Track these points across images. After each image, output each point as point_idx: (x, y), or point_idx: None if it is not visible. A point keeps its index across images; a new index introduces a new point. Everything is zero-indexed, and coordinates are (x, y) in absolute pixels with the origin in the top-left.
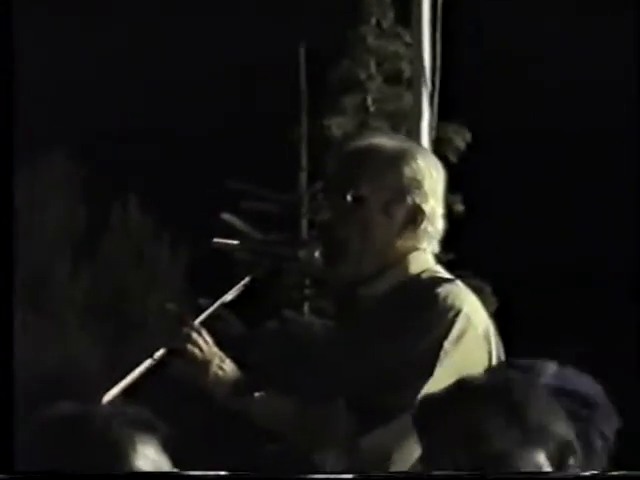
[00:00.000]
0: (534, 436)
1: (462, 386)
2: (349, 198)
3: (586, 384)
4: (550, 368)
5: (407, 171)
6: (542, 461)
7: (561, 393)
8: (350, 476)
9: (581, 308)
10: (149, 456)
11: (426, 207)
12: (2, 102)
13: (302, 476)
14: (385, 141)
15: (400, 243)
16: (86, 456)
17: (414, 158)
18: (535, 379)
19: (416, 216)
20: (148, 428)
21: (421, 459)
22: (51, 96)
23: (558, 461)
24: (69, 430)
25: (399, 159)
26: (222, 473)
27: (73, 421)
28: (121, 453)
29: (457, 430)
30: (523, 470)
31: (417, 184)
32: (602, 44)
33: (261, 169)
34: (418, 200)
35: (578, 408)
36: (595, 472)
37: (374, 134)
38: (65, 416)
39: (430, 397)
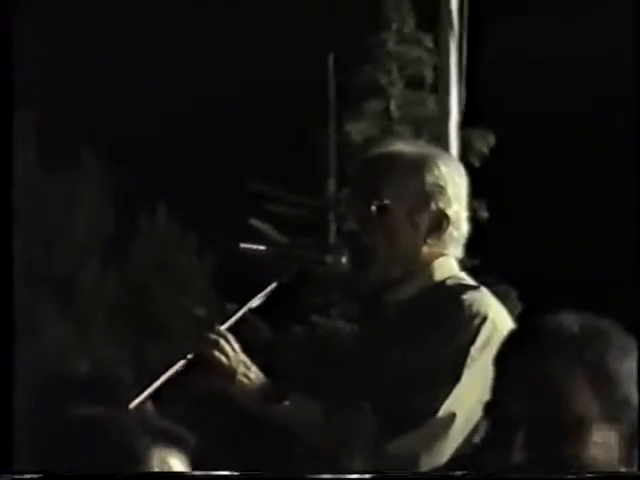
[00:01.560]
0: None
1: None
2: (373, 208)
3: None
4: None
5: (429, 178)
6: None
7: None
8: (355, 476)
9: (609, 313)
10: (175, 469)
11: (450, 212)
12: (2, 102)
13: (311, 476)
14: (406, 148)
15: (426, 249)
16: (110, 466)
17: (436, 164)
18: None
19: (441, 222)
20: (179, 442)
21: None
22: (76, 100)
23: (629, 443)
24: (98, 438)
25: (421, 166)
26: (225, 473)
27: (102, 428)
28: (148, 465)
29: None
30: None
31: (440, 190)
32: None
33: (289, 174)
34: (442, 205)
35: None
36: (595, 472)
37: (395, 141)
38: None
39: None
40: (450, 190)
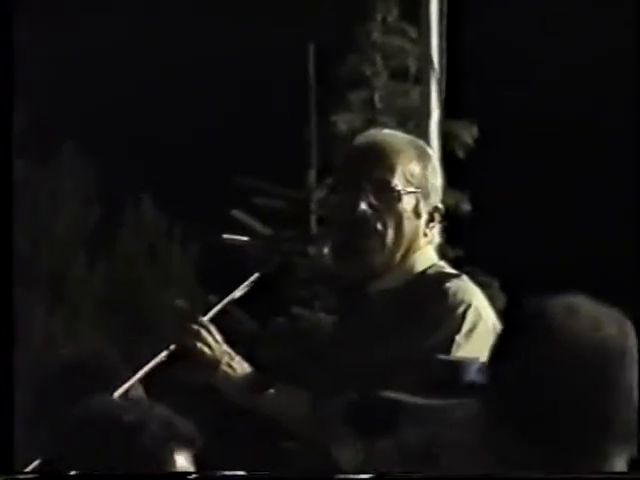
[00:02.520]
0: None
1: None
2: (395, 194)
3: None
4: (473, 363)
5: (430, 170)
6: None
7: (480, 388)
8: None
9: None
10: (180, 467)
11: (440, 205)
12: (2, 100)
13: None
14: (404, 138)
15: (422, 240)
16: (120, 459)
17: (430, 157)
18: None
19: (434, 215)
20: (187, 440)
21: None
22: (62, 92)
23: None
24: (108, 430)
25: (423, 158)
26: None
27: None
28: (157, 459)
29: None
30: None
31: (434, 183)
32: (619, 37)
33: (270, 166)
34: (437, 199)
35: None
36: (595, 472)
37: (388, 130)
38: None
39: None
40: (437, 184)
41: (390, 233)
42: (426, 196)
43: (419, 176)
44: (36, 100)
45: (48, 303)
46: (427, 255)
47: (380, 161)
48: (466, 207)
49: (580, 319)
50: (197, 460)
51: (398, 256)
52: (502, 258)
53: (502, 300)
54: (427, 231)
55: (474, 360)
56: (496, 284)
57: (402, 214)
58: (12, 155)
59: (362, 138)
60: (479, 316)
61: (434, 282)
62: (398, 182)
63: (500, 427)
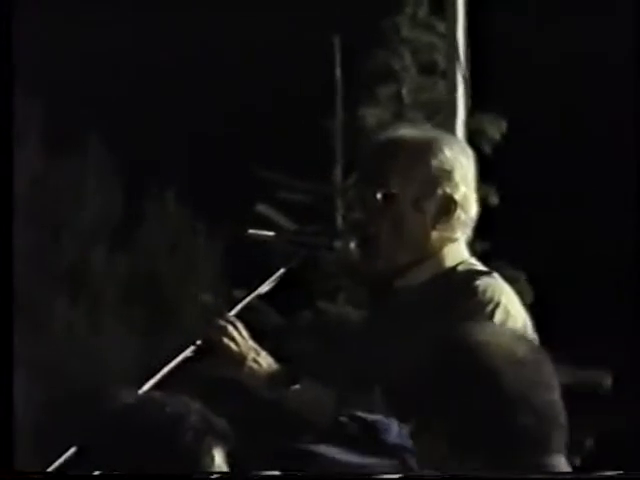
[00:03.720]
0: None
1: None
2: (379, 197)
3: None
4: (393, 427)
5: (434, 163)
6: None
7: (401, 450)
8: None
9: (619, 300)
10: (217, 464)
11: (457, 196)
12: (2, 99)
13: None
14: (410, 133)
15: (435, 234)
16: (161, 452)
17: (440, 149)
18: None
19: (448, 206)
20: (222, 437)
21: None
22: (86, 85)
23: None
24: (145, 426)
25: (425, 151)
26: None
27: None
28: (194, 456)
29: None
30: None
31: (446, 174)
32: None
33: (296, 160)
34: (449, 190)
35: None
36: (596, 473)
37: (399, 126)
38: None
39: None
40: (457, 173)
41: (387, 233)
42: (430, 189)
43: (421, 170)
44: (60, 93)
45: (70, 295)
46: (456, 251)
47: (378, 161)
48: (494, 200)
49: (498, 335)
50: (230, 459)
51: (415, 253)
52: (530, 252)
53: (530, 294)
54: (438, 224)
55: (393, 422)
56: (523, 278)
57: (399, 212)
58: (13, 150)
59: (378, 136)
60: (508, 314)
61: (463, 279)
62: (392, 181)
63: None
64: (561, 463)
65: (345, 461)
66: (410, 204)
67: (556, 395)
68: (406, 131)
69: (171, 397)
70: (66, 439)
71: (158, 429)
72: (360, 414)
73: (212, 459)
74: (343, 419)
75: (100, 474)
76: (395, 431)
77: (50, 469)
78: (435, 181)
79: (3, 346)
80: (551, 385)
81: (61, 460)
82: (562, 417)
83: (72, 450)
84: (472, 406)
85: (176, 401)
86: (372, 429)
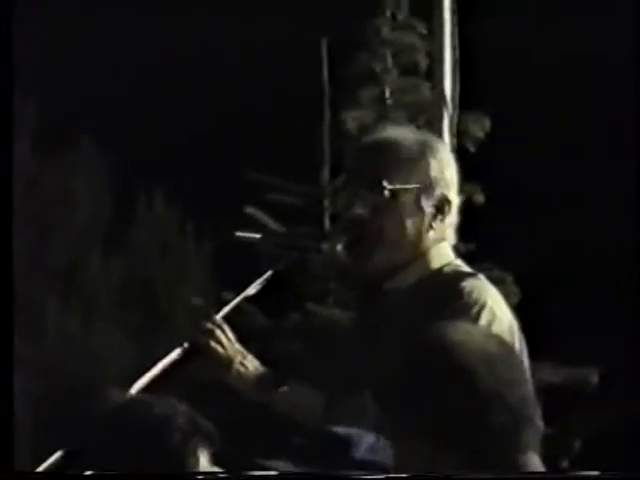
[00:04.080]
0: None
1: None
2: (386, 193)
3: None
4: (366, 441)
5: (434, 163)
6: None
7: (374, 466)
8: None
9: (604, 298)
10: (202, 464)
11: (451, 198)
12: (1, 97)
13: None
14: (409, 133)
15: (431, 234)
16: (148, 453)
17: (437, 149)
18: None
19: (444, 207)
20: (208, 439)
21: None
22: (75, 87)
23: None
24: (128, 425)
25: (426, 151)
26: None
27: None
28: (181, 457)
29: None
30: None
31: (442, 175)
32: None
33: (284, 162)
34: (445, 191)
35: None
36: (595, 473)
37: (396, 126)
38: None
39: None
40: (449, 175)
41: (388, 231)
42: (429, 189)
43: (419, 170)
44: (50, 95)
45: (62, 298)
46: (443, 252)
47: (374, 159)
48: (480, 199)
49: (471, 335)
50: (216, 460)
51: (407, 253)
52: (516, 252)
53: (517, 295)
54: (434, 224)
55: (367, 436)
56: (510, 278)
57: (400, 211)
58: (12, 151)
59: (368, 136)
60: (494, 316)
61: (449, 280)
62: (393, 179)
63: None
64: (535, 462)
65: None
66: (412, 202)
67: (529, 392)
68: (401, 131)
69: (159, 399)
70: (63, 440)
71: (146, 430)
72: (333, 428)
73: (197, 460)
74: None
75: (100, 474)
76: (365, 445)
77: (40, 469)
78: (433, 181)
79: (3, 346)
80: (524, 381)
81: (49, 462)
82: (537, 415)
83: (58, 454)
84: (447, 405)
85: (164, 403)
86: (341, 443)
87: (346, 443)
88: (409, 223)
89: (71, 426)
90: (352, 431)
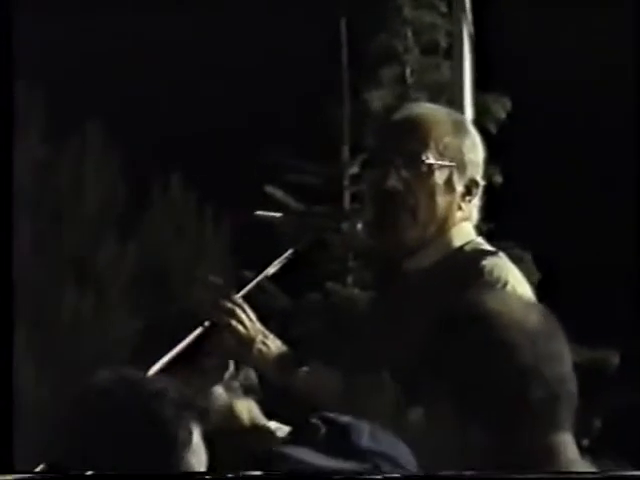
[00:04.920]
0: None
1: None
2: (423, 167)
3: (395, 446)
4: (364, 429)
5: (467, 143)
6: None
7: (373, 454)
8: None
9: (623, 277)
10: (195, 440)
11: (478, 178)
12: (2, 96)
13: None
14: (443, 111)
15: (459, 214)
16: (135, 431)
17: (469, 131)
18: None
19: (472, 188)
20: (200, 414)
21: None
22: (85, 72)
23: None
24: (118, 402)
25: (460, 131)
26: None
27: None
28: (174, 431)
29: None
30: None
31: (473, 157)
32: None
33: (304, 142)
34: (474, 172)
35: (389, 470)
36: (596, 471)
37: (428, 104)
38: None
39: None
40: (478, 157)
41: (422, 207)
42: (461, 169)
43: (454, 149)
44: (58, 80)
45: (78, 282)
46: (464, 231)
47: (411, 134)
48: (498, 180)
49: (511, 305)
50: (208, 438)
51: (432, 231)
52: (535, 231)
53: (536, 274)
54: (463, 205)
55: (364, 425)
56: (529, 257)
57: (434, 188)
58: (13, 143)
59: (399, 112)
60: (515, 294)
61: (470, 259)
62: (430, 155)
63: (448, 413)
64: (568, 441)
65: (316, 464)
66: (444, 180)
67: (567, 367)
68: (436, 108)
69: (151, 377)
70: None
71: (138, 405)
72: (331, 415)
73: (190, 435)
74: (314, 420)
75: (100, 474)
76: (367, 434)
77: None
78: (466, 161)
79: (3, 346)
80: (563, 357)
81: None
82: (572, 393)
83: (41, 467)
84: (481, 376)
85: (155, 379)
86: (343, 431)
87: (350, 431)
88: (440, 201)
89: (67, 408)
90: (347, 419)
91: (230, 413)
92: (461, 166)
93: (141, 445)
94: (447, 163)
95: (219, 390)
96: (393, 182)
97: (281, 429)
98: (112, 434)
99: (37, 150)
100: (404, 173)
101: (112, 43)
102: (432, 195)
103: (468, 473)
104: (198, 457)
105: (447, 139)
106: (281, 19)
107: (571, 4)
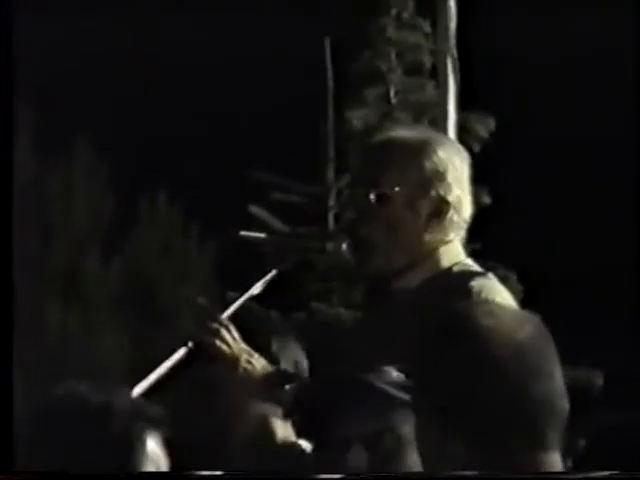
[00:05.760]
0: None
1: None
2: (372, 197)
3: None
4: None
5: (428, 164)
6: None
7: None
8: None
9: (608, 300)
10: (150, 448)
11: (451, 198)
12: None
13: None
14: (404, 134)
15: (428, 236)
16: (90, 441)
17: (434, 150)
18: None
19: (441, 208)
20: (155, 421)
21: None
22: (73, 88)
23: None
24: (74, 413)
25: (419, 152)
26: (218, 473)
27: (83, 407)
28: (125, 442)
29: None
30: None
31: (440, 176)
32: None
33: (288, 161)
34: (442, 192)
35: None
36: (601, 472)
37: (393, 127)
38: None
39: None
40: (450, 175)
41: (379, 235)
42: (423, 190)
43: (416, 171)
44: (47, 97)
45: (64, 298)
46: (452, 252)
47: (373, 160)
48: (486, 201)
49: (502, 320)
50: (169, 445)
51: (409, 254)
52: (520, 251)
53: (521, 294)
54: (430, 226)
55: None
56: (514, 277)
57: (391, 213)
58: (13, 153)
59: (374, 136)
60: None
61: (458, 280)
62: (385, 183)
63: (432, 427)
64: (556, 461)
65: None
66: (403, 205)
67: (557, 382)
68: (400, 132)
69: (98, 386)
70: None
71: (85, 418)
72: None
73: (143, 444)
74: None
75: (100, 474)
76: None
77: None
78: (428, 182)
79: (3, 346)
80: (553, 372)
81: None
82: (562, 409)
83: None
84: (465, 392)
85: (103, 389)
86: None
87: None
88: (402, 226)
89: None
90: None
91: (265, 426)
92: (422, 188)
93: (94, 455)
94: (407, 185)
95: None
96: (348, 213)
97: (308, 447)
98: (65, 445)
99: (24, 165)
100: (359, 203)
101: (101, 61)
102: (391, 222)
103: (468, 473)
104: (156, 463)
105: (404, 162)
106: (266, 38)
107: (558, 24)
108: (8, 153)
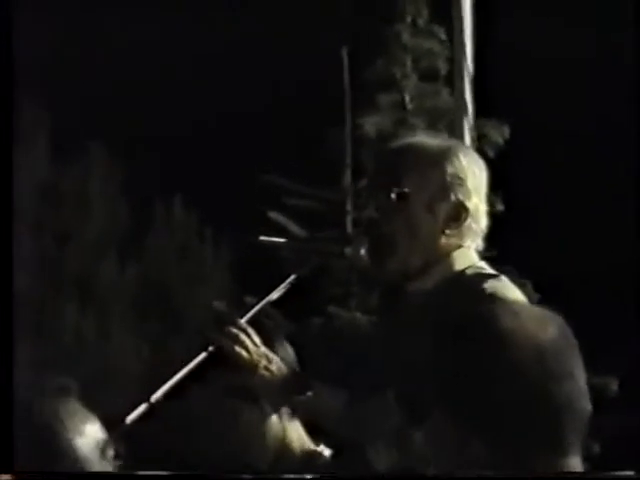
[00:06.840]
0: None
1: None
2: (393, 196)
3: None
4: None
5: (450, 169)
6: None
7: None
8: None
9: (624, 306)
10: (70, 409)
11: (469, 204)
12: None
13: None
14: (428, 139)
15: (444, 240)
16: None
17: (457, 156)
18: None
19: (459, 213)
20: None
21: None
22: (88, 93)
23: None
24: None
25: (442, 157)
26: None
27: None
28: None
29: None
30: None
31: (460, 182)
32: None
33: (306, 167)
34: (461, 197)
35: None
36: (615, 473)
37: (416, 133)
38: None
39: None
40: (470, 182)
41: (399, 235)
42: (443, 195)
43: (436, 174)
44: (64, 100)
45: (80, 303)
46: (466, 255)
47: (394, 163)
48: (500, 207)
49: (524, 321)
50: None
51: (425, 256)
52: (535, 259)
53: (536, 301)
54: (448, 229)
55: None
56: (530, 285)
57: (411, 214)
58: (12, 156)
59: (394, 141)
60: None
61: (471, 282)
62: (407, 183)
63: (451, 429)
64: (575, 464)
65: None
66: (423, 207)
67: (579, 383)
68: (423, 138)
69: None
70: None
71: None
72: None
73: (75, 450)
74: None
75: (104, 473)
76: None
77: None
78: (449, 187)
79: (3, 346)
80: (573, 373)
81: None
82: (583, 410)
83: None
84: (484, 394)
85: (28, 384)
86: None
87: None
88: (420, 227)
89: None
90: None
91: (284, 441)
92: (442, 192)
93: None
94: (426, 190)
95: (274, 419)
96: (371, 212)
97: (325, 451)
98: (23, 439)
99: (40, 169)
100: (380, 201)
101: (116, 65)
102: (410, 223)
103: (468, 473)
104: (90, 468)
105: (427, 165)
106: (283, 44)
107: (575, 32)
108: (8, 153)
